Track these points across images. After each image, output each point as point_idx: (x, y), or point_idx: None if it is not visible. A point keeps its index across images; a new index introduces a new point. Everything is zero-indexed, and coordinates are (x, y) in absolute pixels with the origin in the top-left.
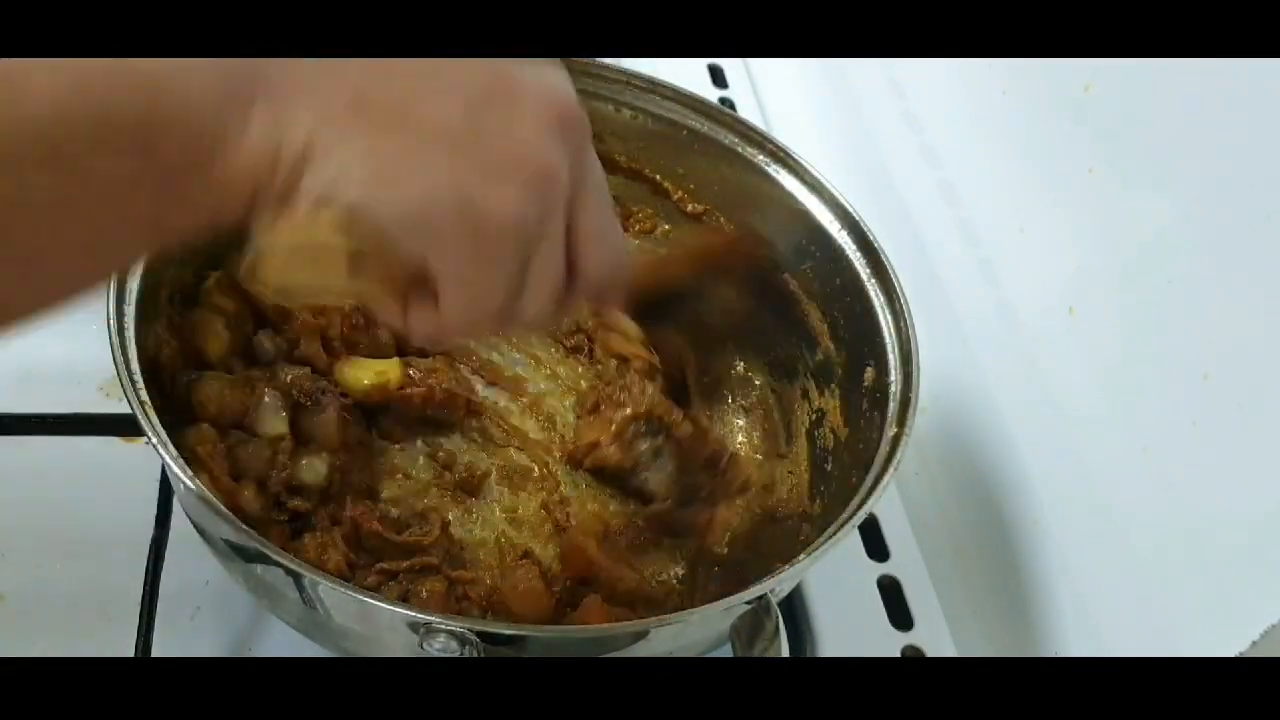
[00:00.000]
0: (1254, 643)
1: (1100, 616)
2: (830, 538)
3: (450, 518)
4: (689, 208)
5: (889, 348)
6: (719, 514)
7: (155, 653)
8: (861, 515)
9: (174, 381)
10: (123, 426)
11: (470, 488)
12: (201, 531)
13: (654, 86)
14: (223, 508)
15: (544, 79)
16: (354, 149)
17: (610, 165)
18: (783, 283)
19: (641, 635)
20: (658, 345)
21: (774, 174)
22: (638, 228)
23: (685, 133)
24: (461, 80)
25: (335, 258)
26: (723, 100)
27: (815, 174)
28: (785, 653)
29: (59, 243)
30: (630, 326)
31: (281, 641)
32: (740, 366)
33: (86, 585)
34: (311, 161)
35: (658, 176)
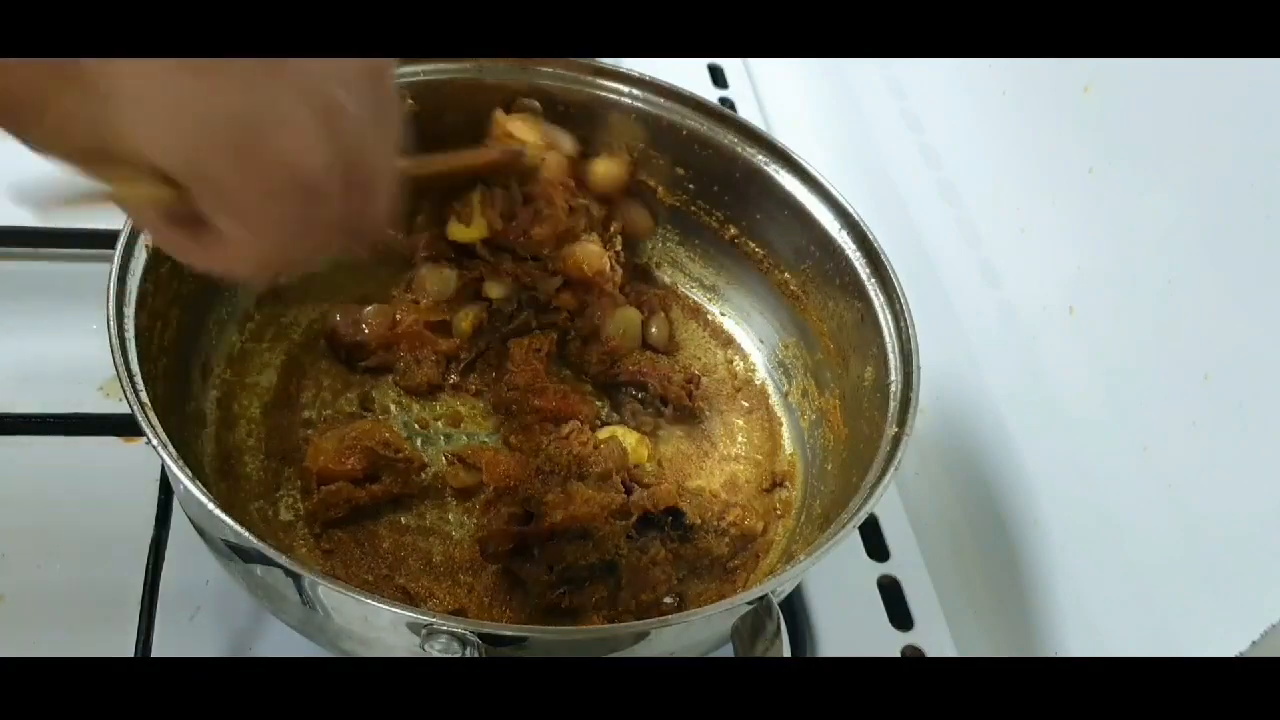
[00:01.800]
0: (1254, 643)
1: (1100, 616)
2: (830, 538)
3: None
4: (689, 208)
5: (889, 348)
6: None
7: (155, 653)
8: (862, 515)
9: None
10: (123, 426)
11: None
12: (201, 532)
13: (654, 86)
14: (221, 509)
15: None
16: (145, 81)
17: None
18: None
19: (643, 636)
20: None
21: (774, 174)
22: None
23: (685, 133)
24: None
25: (113, 181)
26: (723, 100)
27: (815, 174)
28: (786, 653)
29: None
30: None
31: (281, 641)
32: (740, 366)
33: (86, 585)
34: (108, 98)
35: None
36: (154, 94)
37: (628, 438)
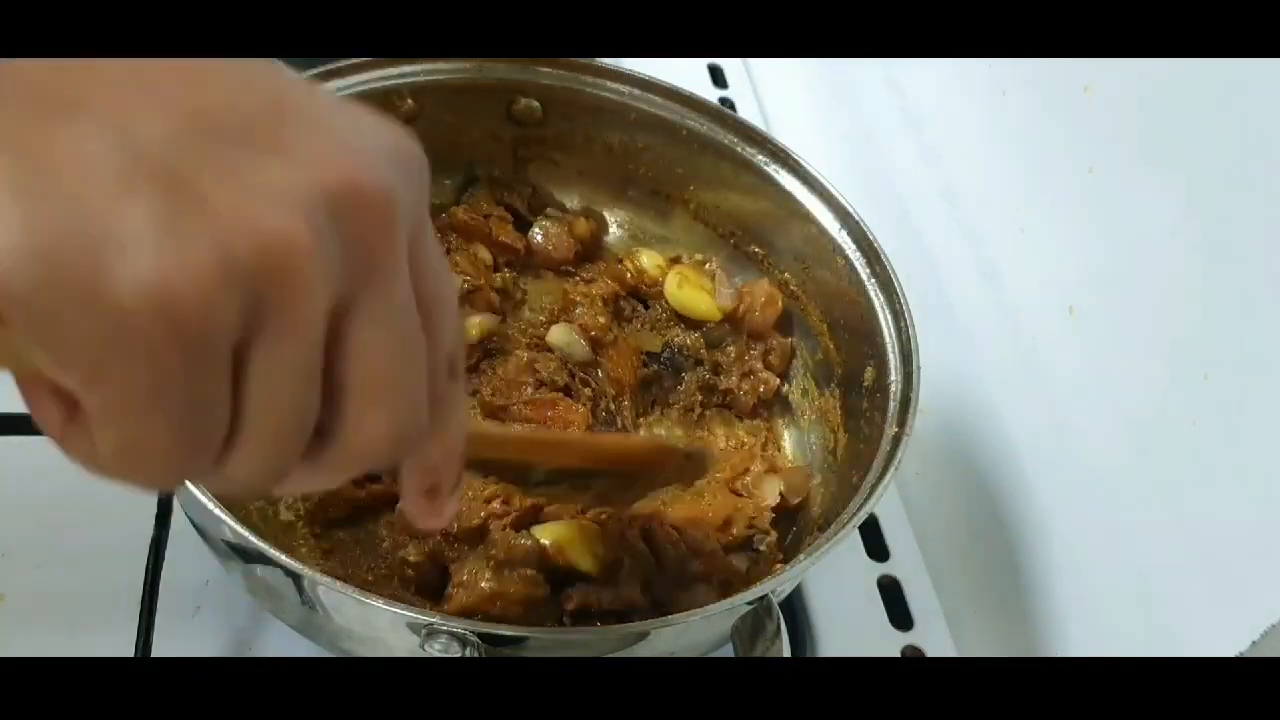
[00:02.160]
0: (1254, 643)
1: (1100, 616)
2: (830, 538)
3: None
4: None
5: (889, 348)
6: None
7: (155, 653)
8: (862, 515)
9: None
10: None
11: None
12: (201, 531)
13: (654, 86)
14: (221, 509)
15: (354, 127)
16: None
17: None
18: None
19: (642, 635)
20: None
21: (774, 174)
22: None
23: (685, 133)
24: (211, 88)
25: None
26: (723, 100)
27: (815, 174)
28: (786, 653)
29: None
30: None
31: (281, 641)
32: None
33: (86, 585)
34: None
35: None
36: None
37: (554, 532)
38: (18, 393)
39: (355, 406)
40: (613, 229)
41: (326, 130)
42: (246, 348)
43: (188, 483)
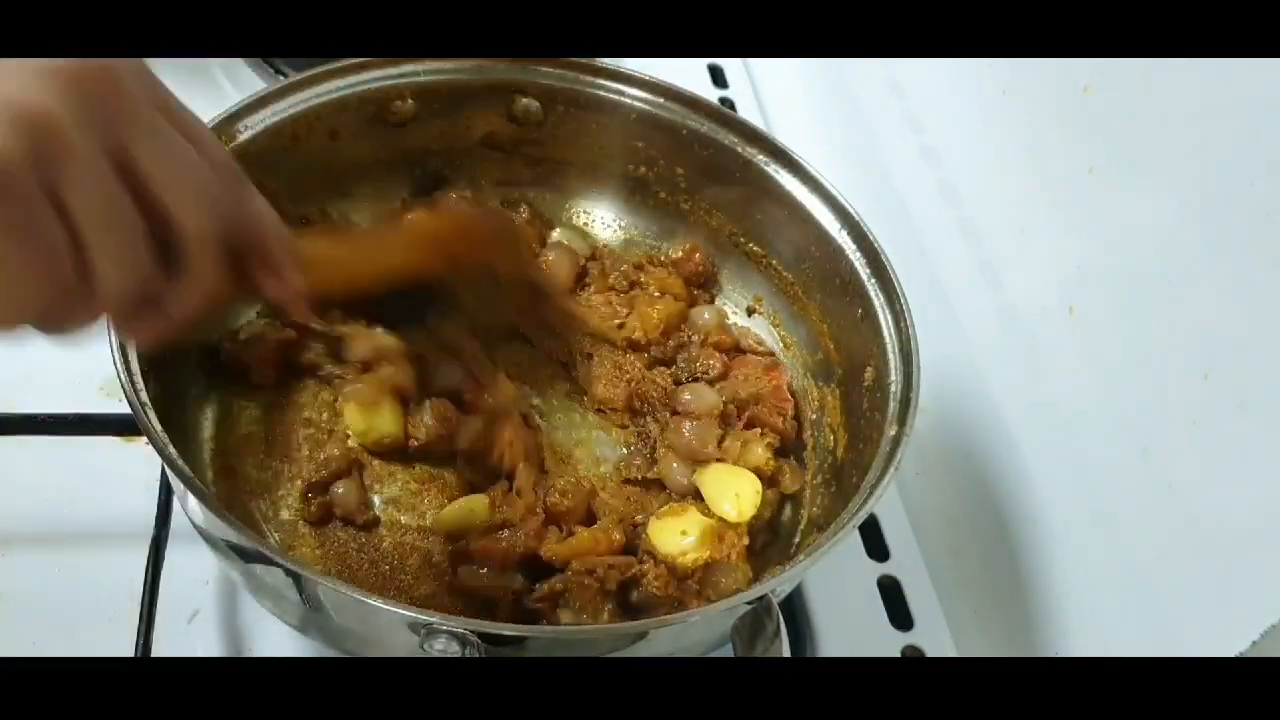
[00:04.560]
0: (1254, 643)
1: (1100, 616)
2: (830, 538)
3: None
4: (686, 206)
5: (889, 348)
6: None
7: (155, 653)
8: (862, 515)
9: None
10: (123, 426)
11: None
12: (201, 532)
13: (654, 86)
14: (222, 509)
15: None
16: None
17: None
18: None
19: (642, 635)
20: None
21: (774, 174)
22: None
23: (685, 132)
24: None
25: None
26: (723, 100)
27: (815, 174)
28: (786, 653)
29: None
30: (374, 338)
31: (281, 641)
32: None
33: (86, 585)
34: None
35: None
36: None
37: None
38: (17, 393)
39: (159, 192)
40: (612, 229)
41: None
42: (58, 190)
43: (184, 482)
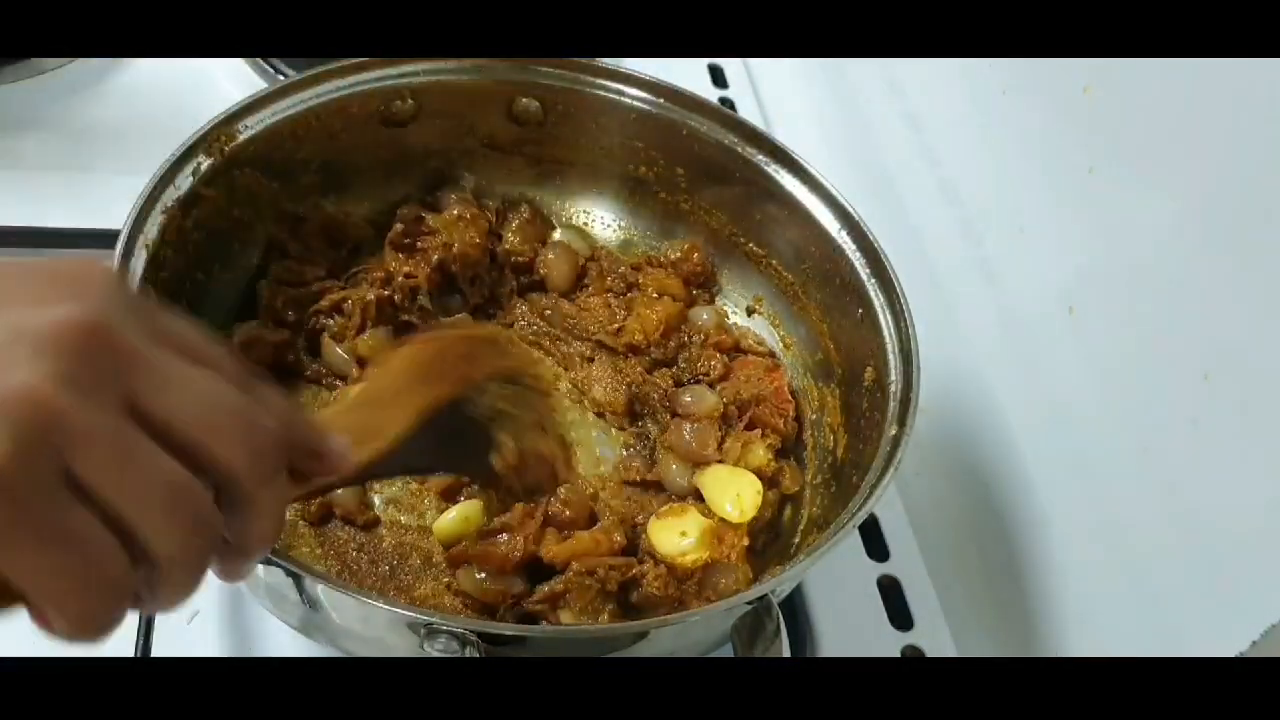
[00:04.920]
0: (1254, 643)
1: (1100, 616)
2: (830, 538)
3: None
4: (686, 206)
5: (889, 348)
6: None
7: (155, 653)
8: (861, 515)
9: None
10: None
11: None
12: None
13: (654, 86)
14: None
15: (69, 284)
16: None
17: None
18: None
19: (642, 635)
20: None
21: (774, 174)
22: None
23: (685, 132)
24: None
25: None
26: (723, 100)
27: (815, 174)
28: (786, 653)
29: None
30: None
31: (281, 641)
32: None
33: None
34: None
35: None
36: None
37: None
38: None
39: (203, 441)
40: (612, 229)
41: (17, 294)
42: (77, 478)
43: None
